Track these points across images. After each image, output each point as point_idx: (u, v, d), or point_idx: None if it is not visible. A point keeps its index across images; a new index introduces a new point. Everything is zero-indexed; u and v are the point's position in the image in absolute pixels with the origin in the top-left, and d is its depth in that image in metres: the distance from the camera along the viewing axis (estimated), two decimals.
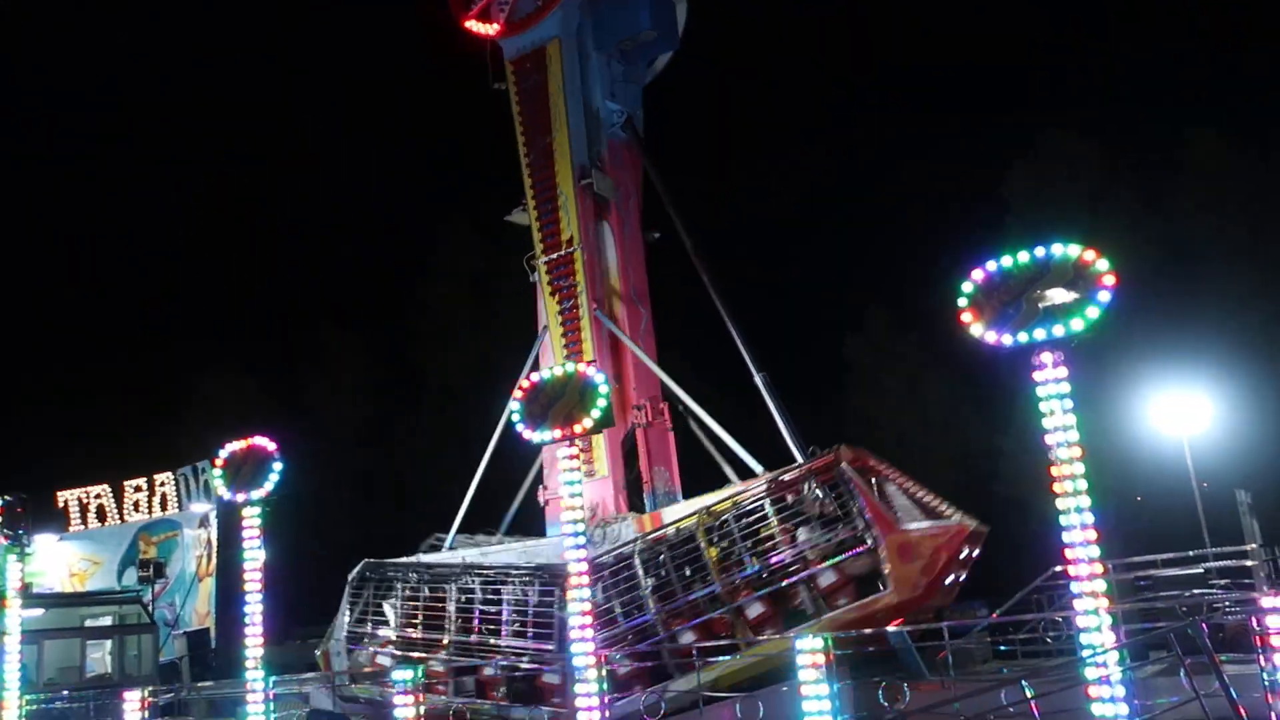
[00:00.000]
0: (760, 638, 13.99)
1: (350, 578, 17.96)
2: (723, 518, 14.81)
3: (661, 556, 14.90)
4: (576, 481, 13.07)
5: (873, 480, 15.02)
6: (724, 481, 17.26)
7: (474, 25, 20.73)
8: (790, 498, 14.79)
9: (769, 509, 14.65)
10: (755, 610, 14.27)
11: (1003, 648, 16.08)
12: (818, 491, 14.56)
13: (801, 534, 14.38)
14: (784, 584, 14.18)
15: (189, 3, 70.88)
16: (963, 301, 10.75)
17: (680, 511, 16.03)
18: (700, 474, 20.94)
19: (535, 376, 13.43)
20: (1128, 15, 48.93)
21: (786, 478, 15.03)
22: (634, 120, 20.66)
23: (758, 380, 18.49)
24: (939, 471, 44.15)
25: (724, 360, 20.97)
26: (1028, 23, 52.48)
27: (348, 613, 17.62)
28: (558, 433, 12.96)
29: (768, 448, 17.42)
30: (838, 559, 14.00)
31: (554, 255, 19.10)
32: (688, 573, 14.69)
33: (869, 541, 13.80)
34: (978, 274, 10.78)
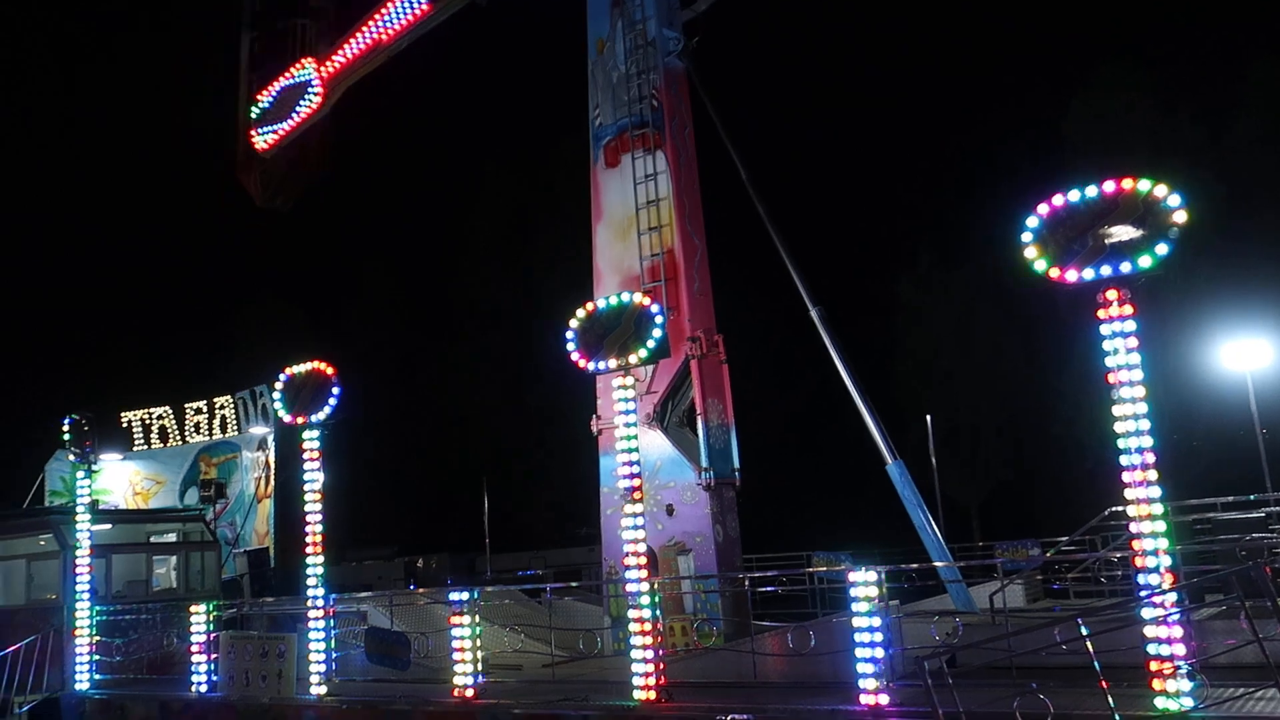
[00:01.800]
0: None
1: None
2: None
3: None
4: (632, 411, 13.13)
5: None
6: (780, 413, 17.28)
7: None
8: None
9: None
10: None
11: (1055, 586, 16.06)
12: None
13: None
14: None
15: None
16: (1026, 237, 10.51)
17: None
18: (752, 406, 20.97)
19: (590, 305, 13.42)
20: None
21: None
22: (689, 47, 20.36)
23: (813, 314, 18.40)
24: (987, 410, 43.94)
25: (778, 294, 20.89)
26: None
27: None
28: (612, 363, 12.98)
29: (824, 380, 17.37)
30: None
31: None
32: None
33: None
34: (1043, 209, 10.53)
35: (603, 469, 19.06)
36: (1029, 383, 42.00)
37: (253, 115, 27.12)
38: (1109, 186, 10.31)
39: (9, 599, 20.27)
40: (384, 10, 24.27)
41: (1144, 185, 10.15)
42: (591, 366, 13.23)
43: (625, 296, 13.29)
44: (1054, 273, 10.35)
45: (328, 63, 25.65)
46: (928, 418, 36.14)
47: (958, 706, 8.76)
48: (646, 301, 13.03)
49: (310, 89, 25.81)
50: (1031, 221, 10.53)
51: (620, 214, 19.86)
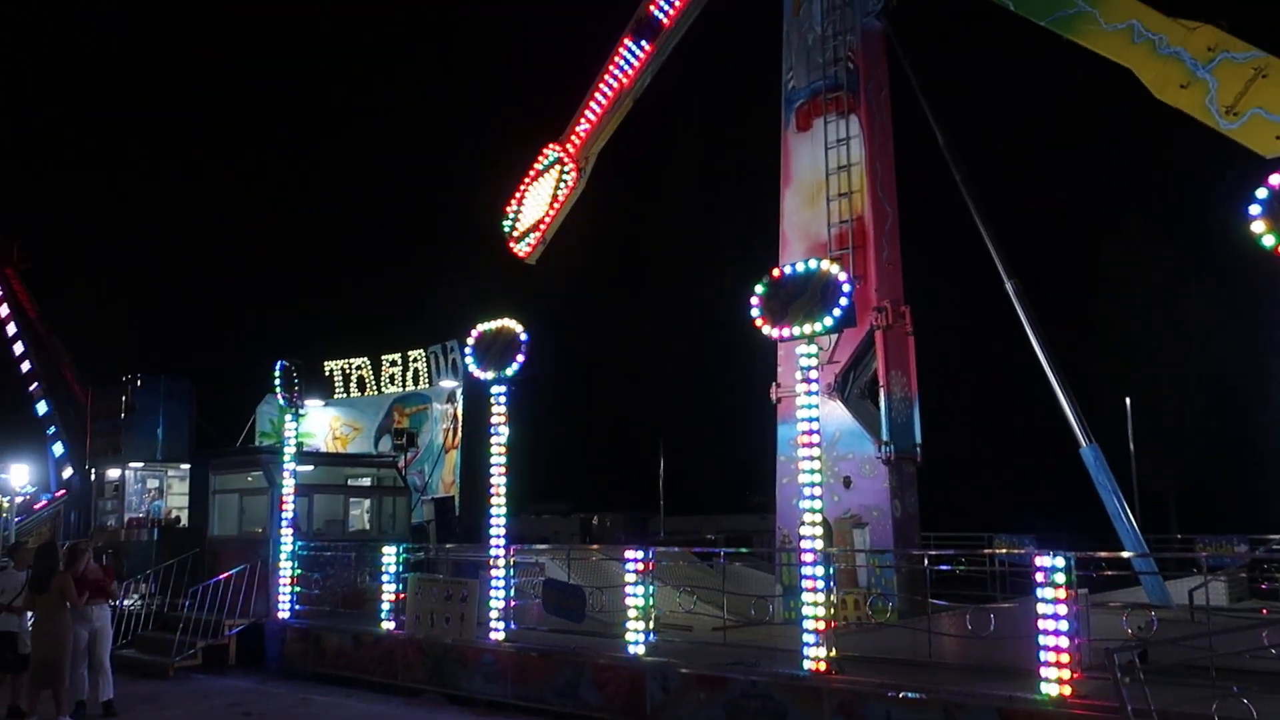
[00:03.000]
0: None
1: None
2: None
3: None
4: (814, 380, 12.95)
5: None
6: (967, 389, 16.73)
7: None
8: None
9: None
10: None
11: (1264, 586, 15.00)
12: None
13: None
14: None
15: None
16: (1254, 210, 9.79)
17: None
18: (937, 380, 20.36)
19: (777, 270, 13.28)
20: None
21: None
22: (889, 6, 19.73)
23: (1008, 287, 17.66)
24: (1194, 393, 41.30)
25: (972, 264, 20.15)
26: None
27: None
28: (797, 330, 12.82)
29: (1017, 357, 16.69)
30: None
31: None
32: None
33: None
34: (1275, 179, 9.78)
35: (780, 437, 18.93)
36: (1243, 366, 39.22)
37: (505, 228, 24.63)
38: None
39: (223, 529, 21.90)
40: (616, 58, 22.35)
41: None
42: (775, 333, 13.11)
43: (813, 263, 13.09)
44: None
45: (570, 139, 23.42)
46: (1126, 400, 34.29)
47: (1149, 704, 8.32)
48: (834, 269, 12.79)
49: (564, 172, 23.47)
50: (1260, 193, 9.80)
51: (810, 179, 19.53)
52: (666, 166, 55.60)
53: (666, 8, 21.90)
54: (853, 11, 19.41)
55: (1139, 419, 35.64)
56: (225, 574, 19.49)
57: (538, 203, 23.97)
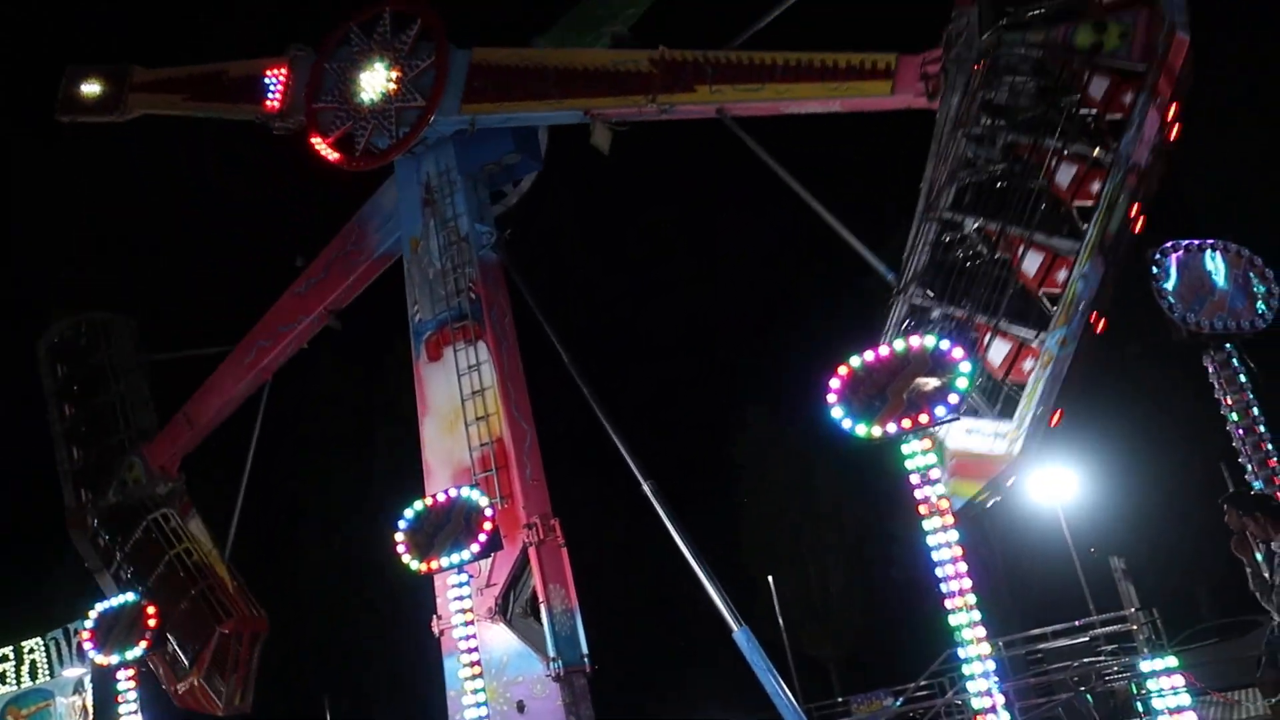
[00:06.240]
0: None
1: None
2: None
3: None
4: (468, 609, 12.82)
5: None
6: (627, 591, 17.13)
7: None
8: None
9: None
10: None
11: None
12: None
13: None
14: None
15: None
16: (830, 398, 11.12)
17: None
18: (595, 590, 20.70)
19: (418, 504, 13.24)
20: None
21: None
22: (502, 239, 20.94)
23: (645, 488, 18.55)
24: (833, 562, 44.69)
25: (612, 471, 21.03)
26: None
27: None
28: (444, 561, 12.74)
29: (664, 554, 17.39)
30: None
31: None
32: None
33: None
34: (842, 371, 11.21)
35: (448, 671, 18.24)
36: (871, 530, 43.05)
37: None
38: (899, 345, 11.07)
39: None
40: None
41: (930, 341, 10.94)
42: (423, 567, 12.96)
43: (453, 492, 13.19)
44: (860, 429, 10.94)
45: None
46: (769, 578, 36.56)
47: None
48: (474, 495, 12.97)
49: None
50: (833, 383, 11.15)
51: (446, 407, 19.79)
52: (319, 412, 54.10)
53: None
54: (469, 246, 20.37)
55: (792, 592, 37.92)
56: None
57: None
